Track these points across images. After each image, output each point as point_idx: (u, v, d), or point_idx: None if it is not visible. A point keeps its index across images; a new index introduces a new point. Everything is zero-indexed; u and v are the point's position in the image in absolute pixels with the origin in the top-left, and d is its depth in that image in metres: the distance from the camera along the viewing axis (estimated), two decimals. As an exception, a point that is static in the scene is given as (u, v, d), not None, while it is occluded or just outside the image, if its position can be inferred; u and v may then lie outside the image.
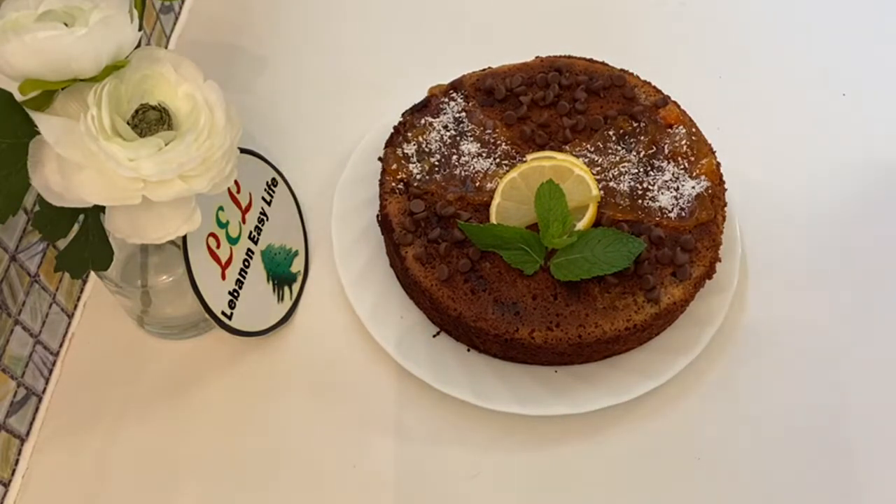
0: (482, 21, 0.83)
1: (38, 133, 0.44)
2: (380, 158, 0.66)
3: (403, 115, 0.67)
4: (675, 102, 0.66)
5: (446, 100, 0.67)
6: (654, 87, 0.68)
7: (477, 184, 0.63)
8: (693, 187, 0.61)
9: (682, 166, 0.63)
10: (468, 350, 0.62)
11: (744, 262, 0.66)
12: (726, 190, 0.63)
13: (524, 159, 0.63)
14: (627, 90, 0.67)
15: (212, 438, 0.60)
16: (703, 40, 0.82)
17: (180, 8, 0.84)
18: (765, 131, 0.75)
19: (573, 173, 0.60)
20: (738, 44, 0.81)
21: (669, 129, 0.64)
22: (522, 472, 0.58)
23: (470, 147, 0.65)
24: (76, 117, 0.44)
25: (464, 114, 0.66)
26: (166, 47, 0.82)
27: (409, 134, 0.66)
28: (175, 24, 0.83)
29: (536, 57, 0.70)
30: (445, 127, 0.66)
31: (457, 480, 0.58)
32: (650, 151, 0.63)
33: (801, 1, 0.84)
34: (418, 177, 0.63)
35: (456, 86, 0.68)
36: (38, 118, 0.44)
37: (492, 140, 0.65)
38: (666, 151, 0.63)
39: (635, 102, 0.66)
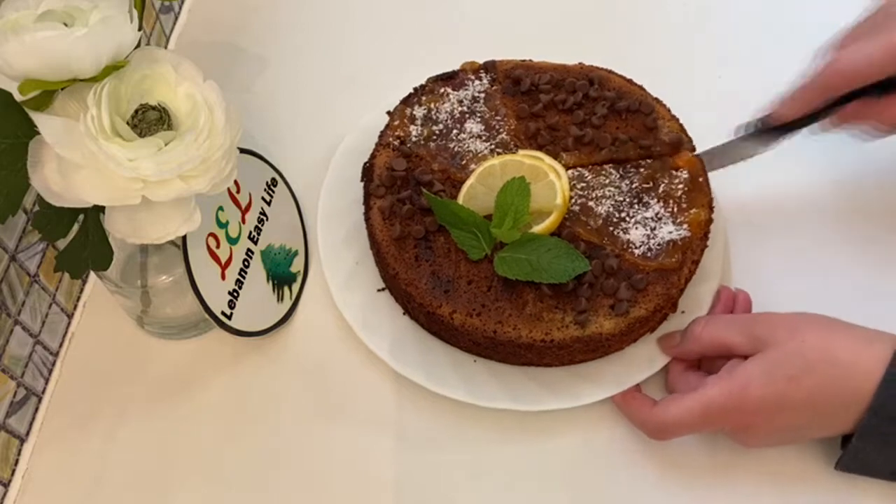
0: (484, 19, 0.83)
1: (38, 133, 0.44)
2: (388, 112, 0.67)
3: (428, 79, 0.68)
4: (691, 146, 0.64)
5: (473, 77, 0.68)
6: (682, 125, 0.65)
7: (464, 162, 0.64)
8: (670, 232, 0.60)
9: (669, 209, 0.61)
10: (403, 314, 0.63)
11: (726, 266, 0.66)
12: (707, 247, 0.61)
13: (515, 152, 0.63)
14: (651, 120, 0.65)
15: (211, 438, 0.60)
16: (694, 35, 0.82)
17: (180, 8, 0.84)
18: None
19: (547, 177, 0.60)
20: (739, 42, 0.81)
21: (674, 171, 0.63)
22: (521, 468, 0.59)
23: (473, 127, 0.66)
24: (76, 117, 0.44)
25: (483, 95, 0.67)
26: (166, 47, 0.82)
27: (424, 98, 0.67)
28: (175, 24, 0.83)
29: (579, 63, 0.69)
30: (460, 102, 0.67)
31: (456, 480, 0.58)
32: (645, 186, 0.62)
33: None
34: (414, 139, 0.65)
35: (488, 67, 0.69)
36: (38, 118, 0.44)
37: (497, 127, 0.66)
38: (660, 190, 0.62)
39: (654, 134, 0.64)
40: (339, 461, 0.59)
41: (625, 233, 0.60)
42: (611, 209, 0.61)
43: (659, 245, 0.59)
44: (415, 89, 0.68)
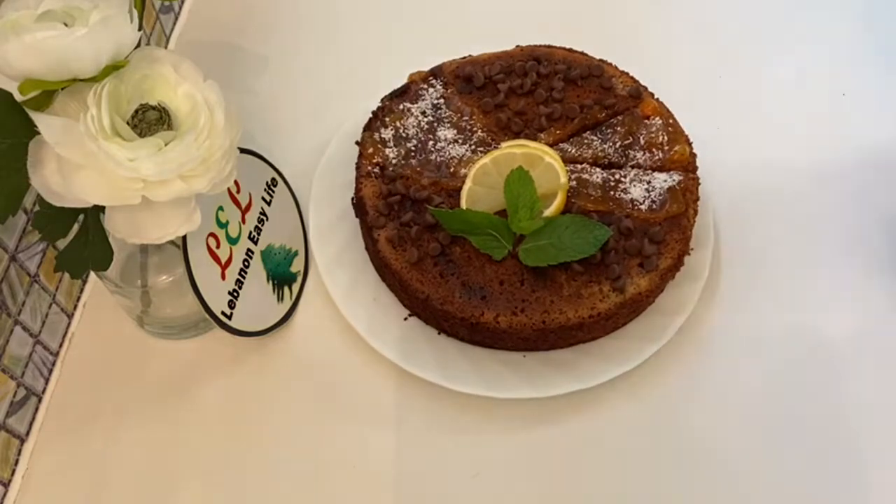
0: (480, 10, 0.84)
1: (38, 133, 0.44)
2: (357, 142, 0.66)
3: (382, 100, 0.68)
4: (650, 93, 0.67)
5: (425, 86, 0.68)
6: (632, 77, 0.68)
7: (451, 169, 0.64)
8: (665, 180, 0.62)
9: (656, 157, 0.63)
10: (438, 333, 0.62)
11: (717, 253, 0.66)
12: (700, 183, 0.63)
13: (499, 146, 0.63)
14: (605, 80, 0.67)
15: (211, 438, 0.60)
16: (694, 34, 0.82)
17: (180, 8, 0.84)
18: (751, 124, 0.74)
19: (543, 161, 0.60)
20: (735, 39, 0.81)
21: (646, 121, 0.65)
22: (527, 461, 0.59)
23: (446, 133, 0.66)
24: (76, 117, 0.44)
25: (442, 100, 0.67)
26: (166, 47, 0.82)
27: (387, 119, 0.66)
28: (175, 24, 0.83)
29: (517, 46, 0.70)
30: (423, 113, 0.67)
31: (458, 479, 0.58)
32: (626, 142, 0.64)
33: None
34: (394, 161, 0.64)
35: (436, 72, 0.69)
36: (38, 118, 0.44)
37: (468, 127, 0.66)
38: (642, 142, 0.64)
39: (612, 92, 0.67)
40: (340, 460, 0.59)
41: (625, 193, 0.62)
42: (605, 174, 0.63)
43: (660, 195, 0.61)
44: (374, 113, 0.67)
